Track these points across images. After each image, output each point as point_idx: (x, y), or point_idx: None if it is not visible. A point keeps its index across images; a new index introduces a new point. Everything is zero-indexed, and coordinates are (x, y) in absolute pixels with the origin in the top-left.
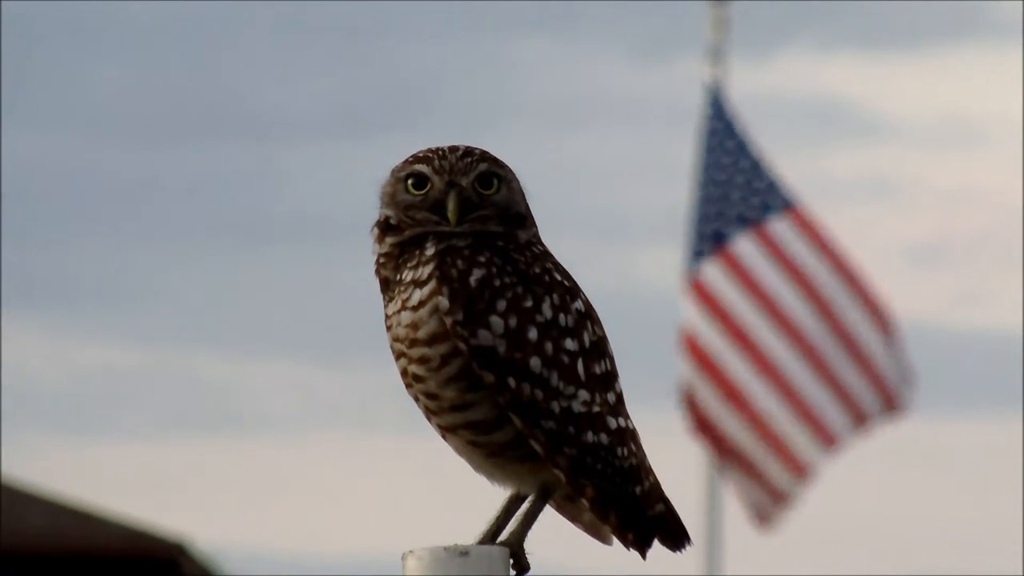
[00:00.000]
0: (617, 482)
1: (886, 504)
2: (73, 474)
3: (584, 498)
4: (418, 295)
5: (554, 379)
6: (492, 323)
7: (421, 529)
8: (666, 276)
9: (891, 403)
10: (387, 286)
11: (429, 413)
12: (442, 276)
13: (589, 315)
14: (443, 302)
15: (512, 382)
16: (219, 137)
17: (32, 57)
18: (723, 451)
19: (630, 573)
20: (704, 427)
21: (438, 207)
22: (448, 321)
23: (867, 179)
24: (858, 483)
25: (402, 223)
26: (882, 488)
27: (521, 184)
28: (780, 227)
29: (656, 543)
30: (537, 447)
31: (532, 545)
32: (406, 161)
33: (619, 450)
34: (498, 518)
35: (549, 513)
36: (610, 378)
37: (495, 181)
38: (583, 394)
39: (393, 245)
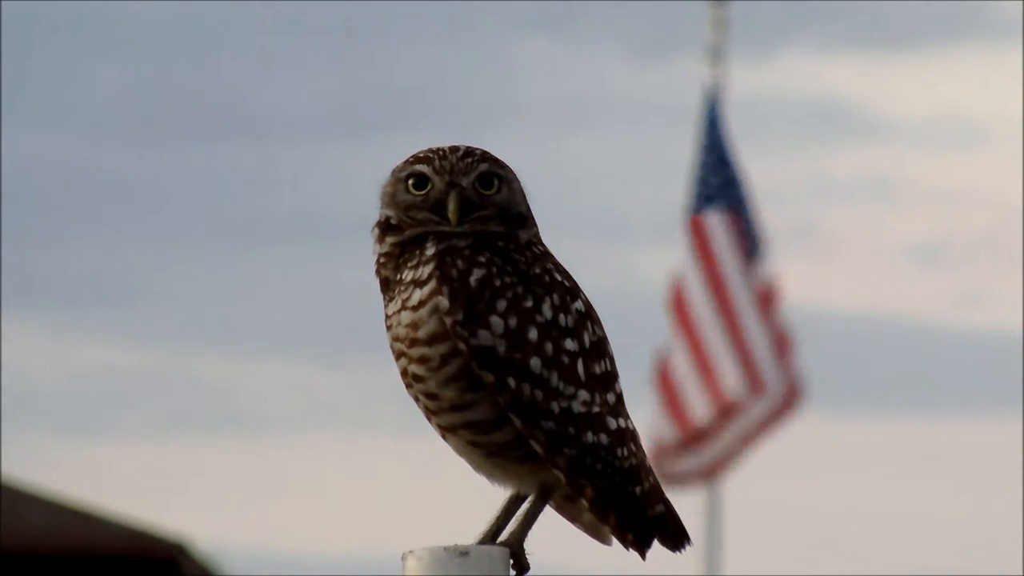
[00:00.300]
0: (617, 482)
1: (886, 504)
2: (73, 474)
3: (584, 498)
4: (418, 295)
5: (554, 379)
6: (492, 323)
7: (421, 529)
8: (666, 276)
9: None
10: (387, 286)
11: (429, 413)
12: (442, 276)
13: (589, 315)
14: (443, 302)
15: (512, 382)
16: (219, 137)
17: (32, 57)
18: (686, 427)
19: (630, 573)
20: (672, 400)
21: (439, 207)
22: (448, 321)
23: (867, 179)
24: (858, 483)
25: (402, 223)
26: (882, 488)
27: (521, 184)
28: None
29: (656, 543)
30: (537, 447)
31: (532, 545)
32: (406, 161)
33: (619, 450)
34: (498, 518)
35: (549, 513)
36: (610, 378)
37: (496, 181)
38: (583, 394)
39: (393, 245)
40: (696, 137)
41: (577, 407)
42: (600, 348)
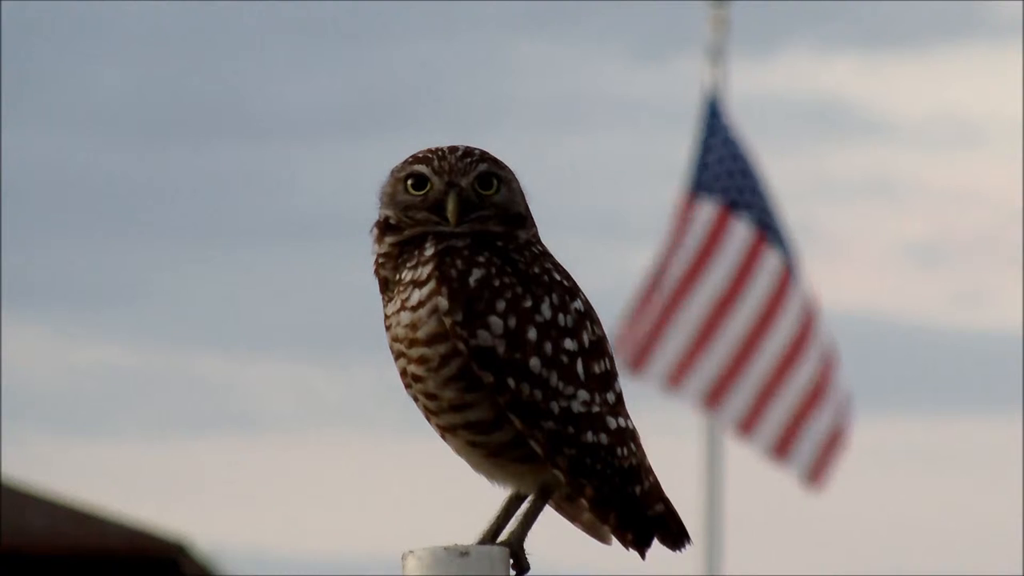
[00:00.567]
0: (617, 482)
1: (886, 504)
2: (73, 474)
3: (584, 498)
4: (417, 295)
5: (553, 379)
6: (491, 323)
7: (421, 529)
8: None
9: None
10: (386, 286)
11: (428, 413)
12: (441, 276)
13: (589, 315)
14: (442, 302)
15: (512, 382)
16: (220, 137)
17: (32, 57)
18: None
19: (630, 573)
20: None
21: (438, 207)
22: (448, 321)
23: (867, 179)
24: (857, 483)
25: (402, 223)
26: (882, 488)
27: (521, 184)
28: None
29: (656, 542)
30: (537, 447)
31: (532, 545)
32: (406, 161)
33: (619, 450)
34: (498, 518)
35: (549, 513)
36: (610, 378)
37: (495, 181)
38: (583, 394)
39: (392, 245)
40: (697, 131)
41: (577, 407)
42: (600, 348)
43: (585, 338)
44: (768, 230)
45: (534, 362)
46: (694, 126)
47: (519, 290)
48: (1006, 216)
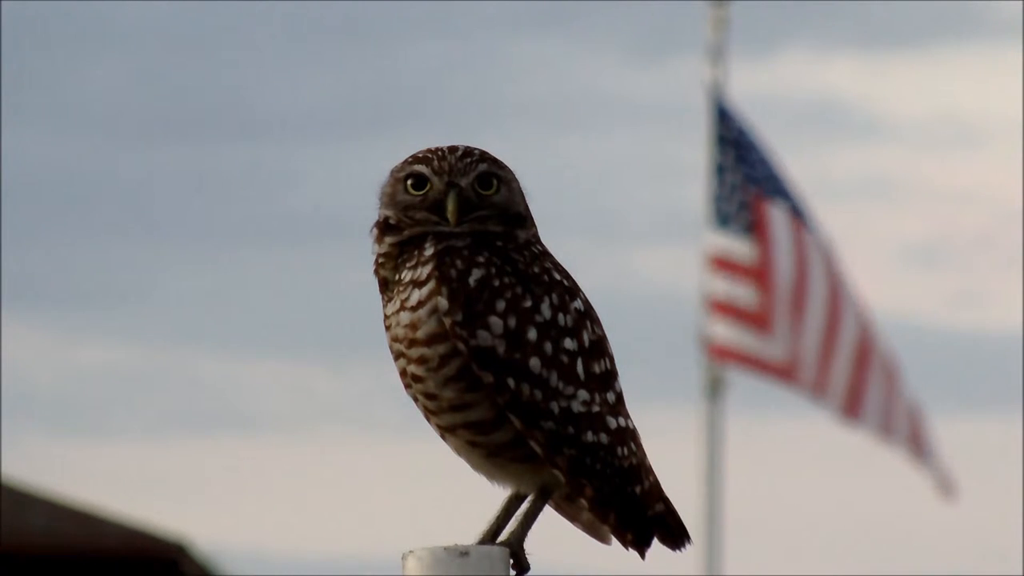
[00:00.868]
0: (617, 482)
1: (885, 504)
2: (73, 474)
3: (583, 498)
4: (417, 295)
5: (553, 379)
6: (491, 323)
7: (421, 529)
8: (665, 276)
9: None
10: (386, 286)
11: (428, 413)
12: (441, 276)
13: (588, 314)
14: (442, 302)
15: (511, 382)
16: (219, 137)
17: (32, 57)
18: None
19: (630, 573)
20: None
21: (437, 207)
22: (447, 321)
23: (867, 179)
24: (857, 483)
25: (401, 223)
26: (881, 488)
27: (520, 184)
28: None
29: (656, 542)
30: (536, 447)
31: (532, 545)
32: (405, 161)
33: (619, 450)
34: (498, 518)
35: (549, 513)
36: (610, 377)
37: (494, 181)
38: (583, 394)
39: (392, 245)
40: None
41: (577, 407)
42: (600, 347)
43: (585, 338)
44: (802, 215)
45: (534, 362)
46: (697, 129)
47: (519, 290)
48: (1006, 216)
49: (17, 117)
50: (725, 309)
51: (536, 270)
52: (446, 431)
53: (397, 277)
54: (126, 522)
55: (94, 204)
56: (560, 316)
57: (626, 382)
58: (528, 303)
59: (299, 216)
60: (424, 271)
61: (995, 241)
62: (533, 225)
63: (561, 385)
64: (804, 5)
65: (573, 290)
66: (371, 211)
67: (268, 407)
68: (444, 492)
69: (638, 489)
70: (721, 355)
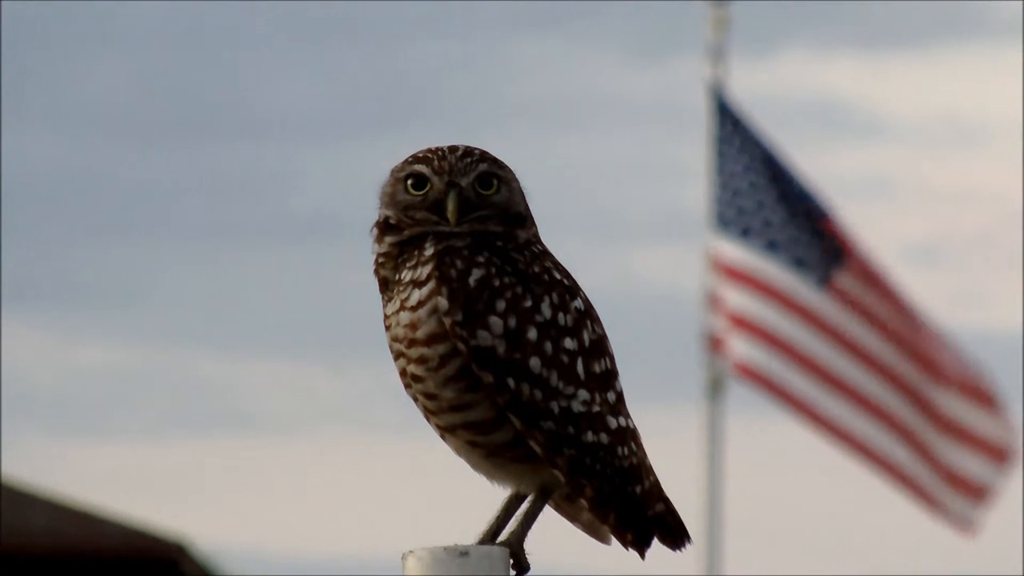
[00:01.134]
0: (617, 482)
1: (885, 504)
2: (73, 474)
3: (583, 498)
4: (417, 295)
5: (554, 379)
6: (491, 323)
7: (421, 529)
8: (666, 276)
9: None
10: (386, 286)
11: (428, 413)
12: (441, 276)
13: (589, 314)
14: (442, 302)
15: (511, 382)
16: (220, 137)
17: (32, 57)
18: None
19: (630, 573)
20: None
21: (438, 207)
22: (447, 321)
23: (866, 179)
24: (857, 483)
25: (401, 223)
26: (881, 487)
27: (521, 184)
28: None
29: (656, 542)
30: (536, 447)
31: (532, 545)
32: (405, 161)
33: (619, 449)
34: (498, 518)
35: (549, 513)
36: (610, 377)
37: (495, 181)
38: (583, 394)
39: (392, 245)
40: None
41: (577, 406)
42: (600, 347)
43: (585, 337)
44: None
45: (534, 362)
46: (698, 129)
47: (519, 290)
48: (1006, 216)
49: (17, 117)
50: (743, 324)
51: (536, 270)
52: (446, 431)
53: (397, 277)
54: (126, 522)
55: (94, 204)
56: (560, 316)
57: (626, 382)
58: (528, 303)
59: (299, 216)
60: (424, 271)
61: (995, 241)
62: (533, 225)
63: (561, 385)
64: (804, 5)
65: (573, 289)
66: (371, 211)
67: (268, 407)
68: (444, 492)
69: (638, 489)
70: (743, 374)
